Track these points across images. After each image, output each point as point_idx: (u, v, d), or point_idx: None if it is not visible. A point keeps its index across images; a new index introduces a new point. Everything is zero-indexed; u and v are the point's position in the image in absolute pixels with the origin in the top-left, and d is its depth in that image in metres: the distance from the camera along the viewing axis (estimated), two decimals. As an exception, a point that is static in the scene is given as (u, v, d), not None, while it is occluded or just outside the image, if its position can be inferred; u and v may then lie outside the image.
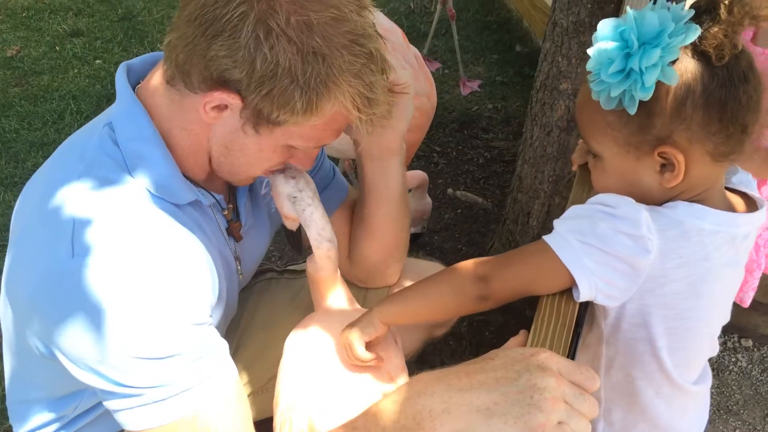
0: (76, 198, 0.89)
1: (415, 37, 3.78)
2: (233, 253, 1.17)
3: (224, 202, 1.12)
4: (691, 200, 0.91)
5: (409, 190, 2.32)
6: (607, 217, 0.88)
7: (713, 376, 1.34)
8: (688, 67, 0.83)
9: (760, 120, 0.86)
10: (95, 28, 3.92)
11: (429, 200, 2.38)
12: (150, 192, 0.95)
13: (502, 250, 2.27)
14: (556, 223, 0.94)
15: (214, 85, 0.89)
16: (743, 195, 0.99)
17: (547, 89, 1.80)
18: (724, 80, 0.83)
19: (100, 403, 1.04)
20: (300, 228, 1.14)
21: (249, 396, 1.37)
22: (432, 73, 3.51)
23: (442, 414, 0.73)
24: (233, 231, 1.16)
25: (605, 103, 0.86)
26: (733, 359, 2.18)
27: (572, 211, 0.94)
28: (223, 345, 0.95)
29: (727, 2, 0.80)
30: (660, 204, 0.91)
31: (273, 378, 1.31)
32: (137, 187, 0.94)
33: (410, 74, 1.18)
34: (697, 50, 0.83)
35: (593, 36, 0.86)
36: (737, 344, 2.22)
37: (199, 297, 0.94)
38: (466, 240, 2.52)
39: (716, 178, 0.93)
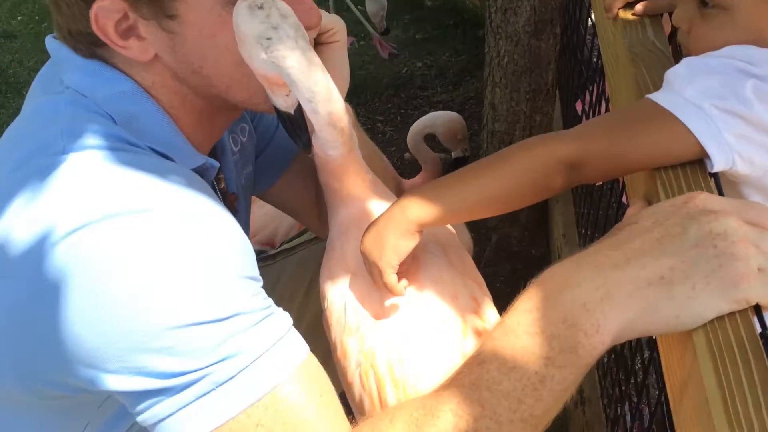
0: (72, 167, 0.65)
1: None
2: None
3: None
4: None
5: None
6: (752, 78, 0.67)
7: None
8: None
9: None
10: (-34, 90, 3.51)
11: (453, 115, 2.02)
12: (155, 151, 0.72)
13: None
14: (674, 80, 0.71)
15: (89, 7, 0.69)
16: None
17: (506, -8, 1.61)
18: None
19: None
20: (299, 108, 0.77)
21: None
22: (348, 47, 3.31)
23: (602, 302, 0.55)
24: (230, 203, 0.94)
25: None
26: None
27: (690, 65, 0.71)
28: (284, 312, 0.70)
29: None
30: None
31: None
32: (140, 146, 0.71)
33: (339, 19, 0.89)
34: None
35: None
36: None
37: (248, 247, 0.70)
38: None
39: None
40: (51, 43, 0.77)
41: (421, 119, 2.17)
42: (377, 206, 0.88)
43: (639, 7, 0.91)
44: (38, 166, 0.64)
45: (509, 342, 0.59)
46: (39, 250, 0.60)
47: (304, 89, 0.71)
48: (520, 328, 0.58)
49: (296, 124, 0.78)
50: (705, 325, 0.54)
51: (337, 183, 0.84)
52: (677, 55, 0.85)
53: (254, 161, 1.07)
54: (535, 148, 0.73)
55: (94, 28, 0.69)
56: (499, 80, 1.78)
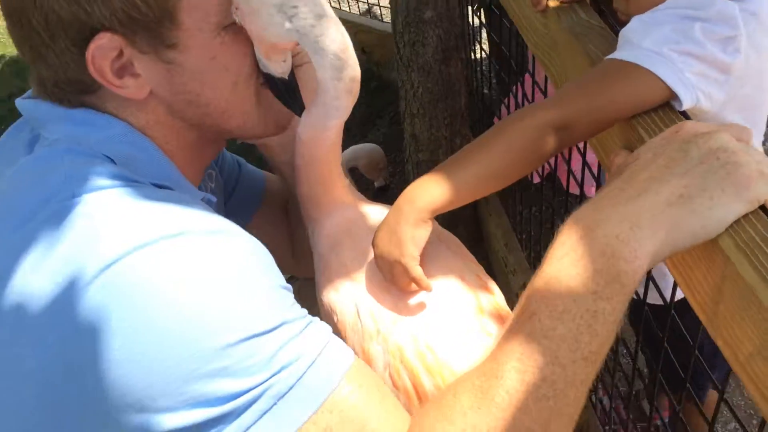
0: (88, 207, 0.62)
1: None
2: None
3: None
4: None
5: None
6: (698, 22, 0.76)
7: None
8: None
9: None
10: None
11: (373, 146, 2.08)
12: (159, 186, 0.69)
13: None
14: (631, 36, 0.79)
15: (82, 51, 0.67)
16: None
17: (411, 26, 1.70)
18: None
19: None
20: (292, 73, 0.78)
21: None
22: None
23: (633, 231, 0.58)
24: None
25: None
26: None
27: (641, 21, 0.79)
28: (320, 320, 0.69)
29: None
30: None
31: None
32: (144, 183, 0.68)
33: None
34: None
35: None
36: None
37: (273, 259, 0.68)
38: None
39: None
40: (24, 103, 0.74)
41: (343, 153, 2.19)
42: (363, 212, 0.89)
43: None
44: (49, 215, 0.61)
45: (554, 288, 0.61)
46: (68, 297, 0.57)
47: (331, 55, 0.71)
48: (562, 273, 0.60)
49: (291, 88, 0.78)
50: (727, 230, 0.59)
51: (321, 188, 0.84)
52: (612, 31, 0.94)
53: (224, 206, 1.05)
54: (524, 119, 0.78)
55: (91, 70, 0.67)
56: (417, 111, 1.86)
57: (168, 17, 0.67)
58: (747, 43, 0.77)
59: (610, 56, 0.78)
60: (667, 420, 1.55)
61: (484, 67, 2.34)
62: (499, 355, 0.62)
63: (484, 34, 2.19)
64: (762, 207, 0.60)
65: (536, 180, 1.68)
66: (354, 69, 0.74)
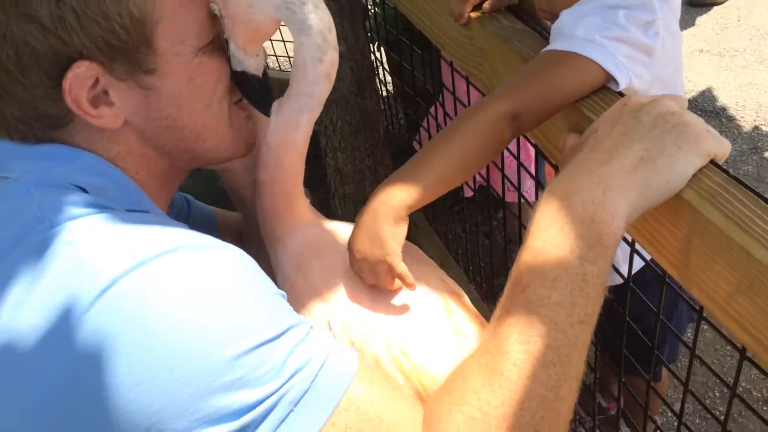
0: (71, 234, 0.59)
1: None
2: None
3: None
4: None
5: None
6: (621, 9, 0.83)
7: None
8: None
9: None
10: None
11: None
12: (134, 212, 0.67)
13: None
14: (563, 28, 0.85)
15: (57, 83, 0.66)
16: None
17: (325, 62, 1.72)
18: None
19: None
20: (266, 72, 0.79)
21: None
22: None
23: (606, 195, 0.62)
24: None
25: None
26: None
27: (570, 14, 0.85)
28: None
29: None
30: None
31: None
32: (119, 210, 0.66)
33: None
34: None
35: None
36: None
37: (261, 269, 0.67)
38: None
39: None
40: None
41: None
42: (326, 229, 0.89)
43: (486, 5, 1.05)
44: (29, 248, 0.57)
45: (542, 259, 0.63)
46: (63, 328, 0.54)
47: (317, 34, 0.71)
48: (548, 244, 0.63)
49: (264, 85, 0.78)
50: (687, 185, 0.65)
51: (284, 201, 0.84)
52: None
53: None
54: (478, 113, 0.82)
55: (68, 100, 0.65)
56: (338, 144, 1.88)
57: (145, 43, 0.67)
58: (662, 26, 0.85)
59: (547, 48, 0.84)
60: (622, 406, 1.60)
61: (396, 98, 2.42)
62: (500, 331, 0.63)
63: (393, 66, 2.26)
64: (712, 161, 0.66)
65: (468, 194, 1.74)
66: (336, 52, 0.75)
